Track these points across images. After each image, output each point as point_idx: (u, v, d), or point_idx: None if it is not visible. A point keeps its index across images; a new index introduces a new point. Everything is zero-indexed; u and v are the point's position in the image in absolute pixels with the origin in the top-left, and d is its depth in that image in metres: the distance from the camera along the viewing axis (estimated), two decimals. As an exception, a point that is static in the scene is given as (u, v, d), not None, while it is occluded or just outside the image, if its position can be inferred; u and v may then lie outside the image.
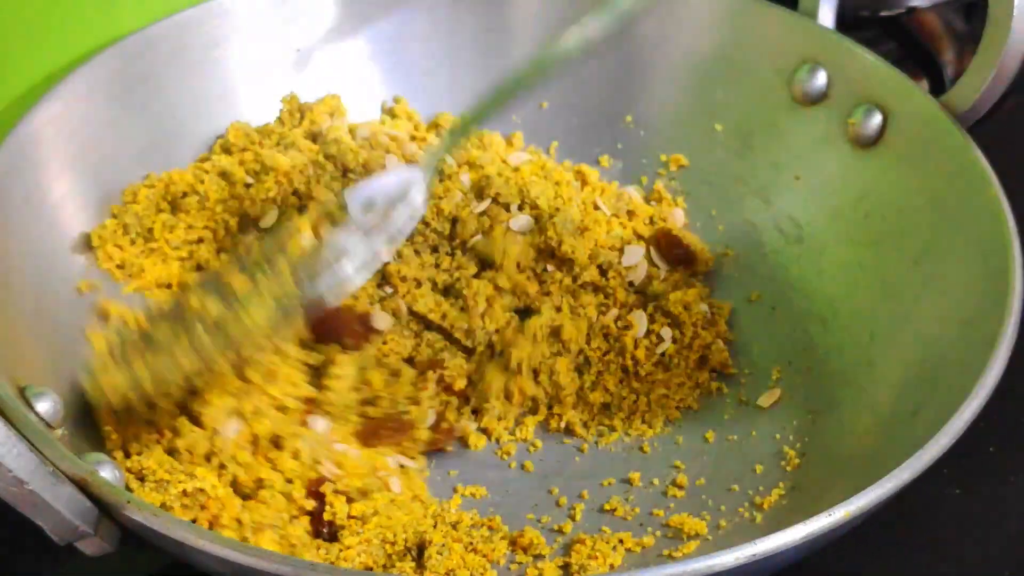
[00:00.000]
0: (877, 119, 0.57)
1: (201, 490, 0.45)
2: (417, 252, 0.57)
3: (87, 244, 0.55)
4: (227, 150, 0.60)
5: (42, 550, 0.42)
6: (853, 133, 0.58)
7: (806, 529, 0.38)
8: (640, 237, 0.61)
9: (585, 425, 0.55)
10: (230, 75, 0.62)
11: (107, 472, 0.43)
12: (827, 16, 0.62)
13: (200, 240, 0.57)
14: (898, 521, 0.50)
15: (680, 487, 0.52)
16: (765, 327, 0.58)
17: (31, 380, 0.45)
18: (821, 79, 0.60)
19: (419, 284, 0.56)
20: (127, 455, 0.47)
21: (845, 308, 0.56)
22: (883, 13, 0.75)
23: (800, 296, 0.58)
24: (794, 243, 0.60)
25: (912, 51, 0.74)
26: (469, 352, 0.55)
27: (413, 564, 0.46)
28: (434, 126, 0.65)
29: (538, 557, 0.48)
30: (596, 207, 0.61)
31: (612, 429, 0.55)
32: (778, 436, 0.53)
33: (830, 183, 0.59)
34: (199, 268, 0.57)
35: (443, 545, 0.46)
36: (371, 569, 0.46)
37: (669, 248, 0.60)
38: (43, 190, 0.53)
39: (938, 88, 0.56)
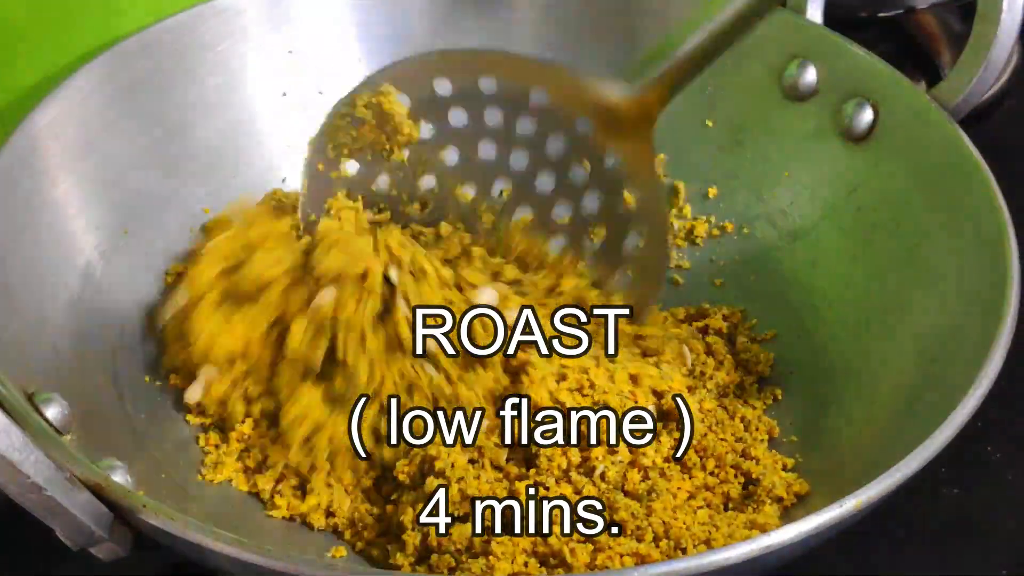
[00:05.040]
0: (868, 113, 0.57)
1: None
2: None
3: None
4: None
5: (49, 552, 0.42)
6: (844, 127, 0.58)
7: (818, 520, 0.38)
8: None
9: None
10: (228, 76, 0.61)
11: (119, 476, 0.44)
12: (815, 12, 0.62)
13: None
14: (897, 521, 0.51)
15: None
16: (760, 321, 0.59)
17: (37, 386, 0.45)
18: (811, 74, 0.60)
19: None
20: None
21: (839, 301, 0.57)
22: (881, 14, 0.75)
23: (794, 290, 0.59)
24: (787, 237, 0.61)
25: (910, 52, 0.75)
26: None
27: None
28: None
29: None
30: None
31: None
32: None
33: (822, 177, 0.60)
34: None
35: None
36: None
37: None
38: (44, 193, 0.53)
39: (936, 89, 0.57)
